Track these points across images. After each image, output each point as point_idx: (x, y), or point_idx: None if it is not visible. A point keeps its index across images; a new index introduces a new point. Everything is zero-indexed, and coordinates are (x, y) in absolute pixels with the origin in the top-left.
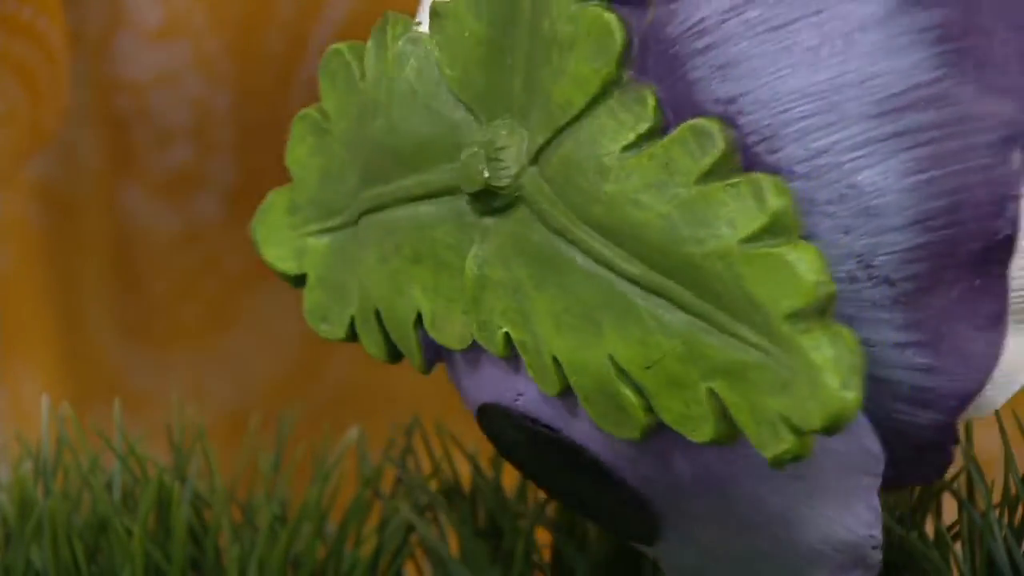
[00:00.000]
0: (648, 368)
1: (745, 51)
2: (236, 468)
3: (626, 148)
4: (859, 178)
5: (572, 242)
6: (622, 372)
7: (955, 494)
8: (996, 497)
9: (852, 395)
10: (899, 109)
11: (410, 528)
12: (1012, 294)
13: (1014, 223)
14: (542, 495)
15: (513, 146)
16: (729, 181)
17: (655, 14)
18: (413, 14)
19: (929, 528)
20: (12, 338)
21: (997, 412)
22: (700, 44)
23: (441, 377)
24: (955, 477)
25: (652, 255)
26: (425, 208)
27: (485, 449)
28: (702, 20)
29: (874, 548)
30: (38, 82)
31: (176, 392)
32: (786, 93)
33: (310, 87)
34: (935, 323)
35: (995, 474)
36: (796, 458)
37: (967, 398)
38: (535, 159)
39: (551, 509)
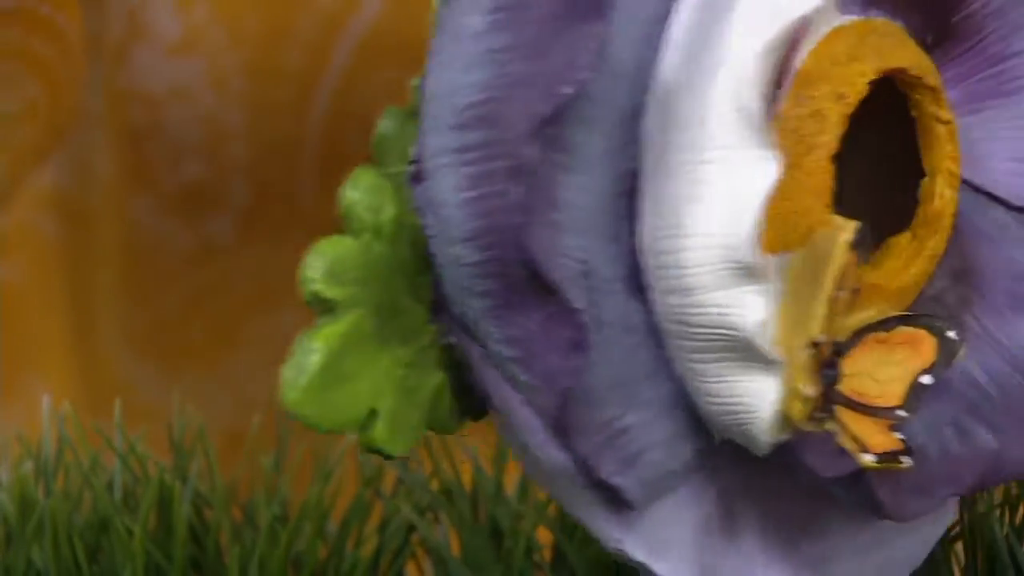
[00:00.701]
0: None
1: (436, 47)
2: (237, 471)
3: None
4: (435, 187)
5: None
6: None
7: None
8: (996, 497)
9: (292, 395)
10: (463, 124)
11: (411, 528)
12: (703, 329)
13: (524, 250)
14: (543, 495)
15: None
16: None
17: None
18: None
19: None
20: (22, 348)
21: None
22: None
23: None
24: None
25: None
26: None
27: (486, 449)
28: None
29: (649, 568)
30: (56, 78)
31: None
32: (428, 93)
33: (329, 105)
34: (527, 342)
35: None
36: (374, 449)
37: (556, 420)
38: None
39: (552, 509)
